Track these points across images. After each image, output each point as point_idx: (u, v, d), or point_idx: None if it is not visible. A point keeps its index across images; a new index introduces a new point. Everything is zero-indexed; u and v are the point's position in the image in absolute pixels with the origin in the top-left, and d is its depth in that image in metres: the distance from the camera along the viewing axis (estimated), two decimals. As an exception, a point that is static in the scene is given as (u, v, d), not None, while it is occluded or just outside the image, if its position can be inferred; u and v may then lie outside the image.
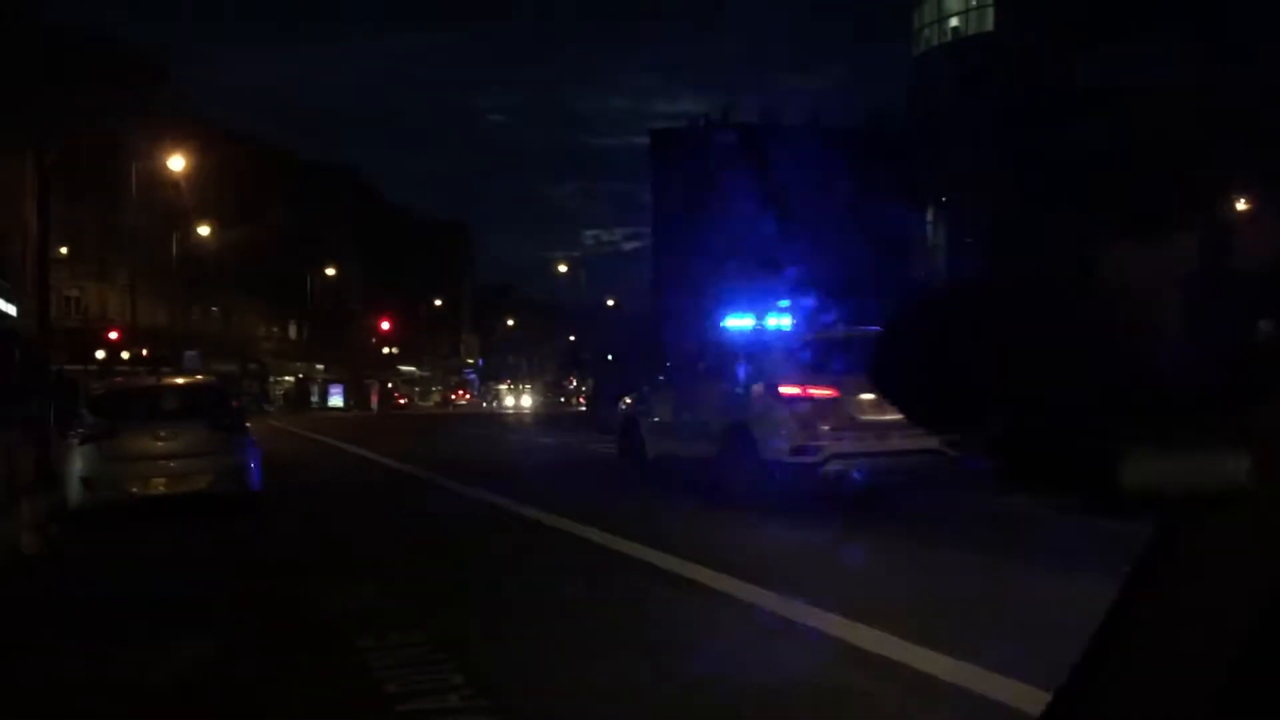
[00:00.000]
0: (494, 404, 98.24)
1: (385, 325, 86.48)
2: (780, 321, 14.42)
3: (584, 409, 51.88)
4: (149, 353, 50.59)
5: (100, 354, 50.05)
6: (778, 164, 70.99)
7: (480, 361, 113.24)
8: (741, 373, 13.37)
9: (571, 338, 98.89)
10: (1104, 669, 1.04)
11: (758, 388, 12.83)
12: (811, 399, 12.18)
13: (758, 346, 13.87)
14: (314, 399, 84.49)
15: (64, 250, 45.23)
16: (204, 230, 59.11)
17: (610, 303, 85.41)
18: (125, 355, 50.44)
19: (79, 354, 45.20)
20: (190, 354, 53.52)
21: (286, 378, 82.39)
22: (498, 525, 11.75)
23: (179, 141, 43.81)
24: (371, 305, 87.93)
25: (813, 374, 12.39)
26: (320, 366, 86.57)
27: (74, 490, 12.36)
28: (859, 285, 57.03)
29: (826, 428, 11.94)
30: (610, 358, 63.97)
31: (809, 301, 15.63)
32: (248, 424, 14.23)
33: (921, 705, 4.90)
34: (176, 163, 42.39)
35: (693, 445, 13.53)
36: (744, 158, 72.53)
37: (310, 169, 78.94)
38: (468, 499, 14.50)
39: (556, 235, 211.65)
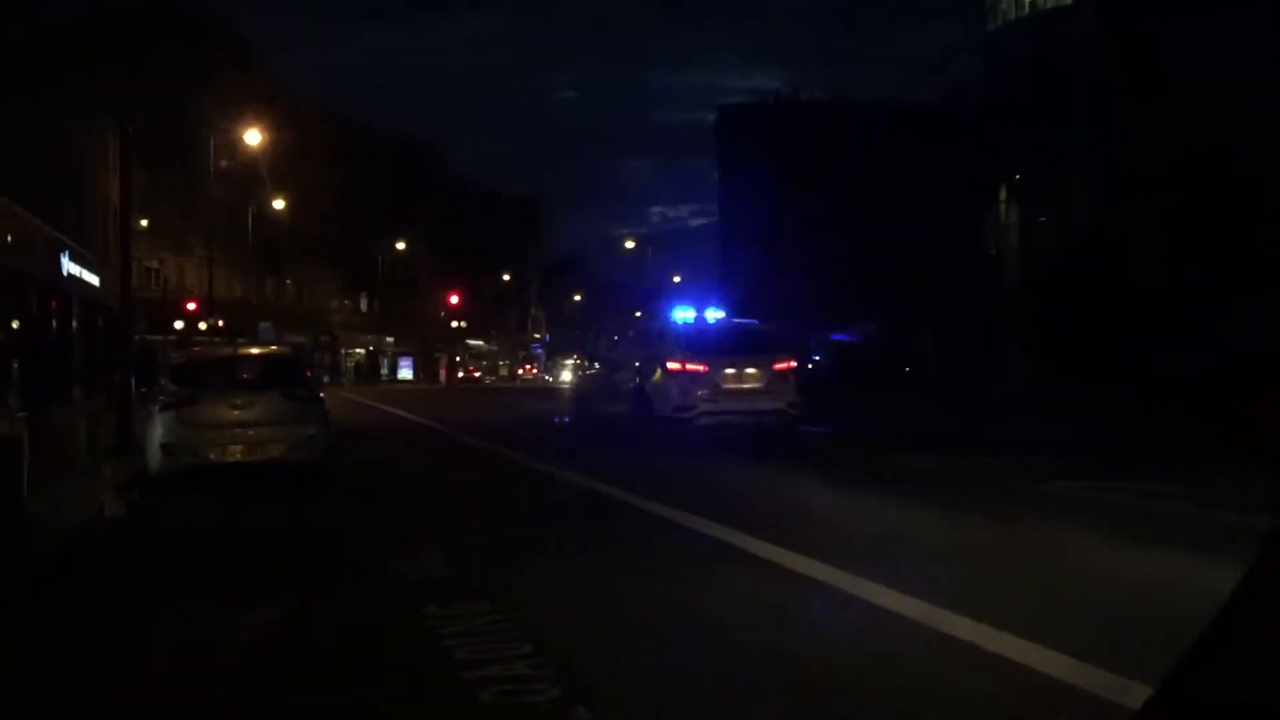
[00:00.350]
0: (556, 378, 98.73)
1: (454, 299, 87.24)
2: (687, 315, 18.70)
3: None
4: (225, 324, 51.66)
5: (178, 324, 51.20)
6: (846, 141, 70.22)
7: (547, 336, 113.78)
8: (645, 353, 17.99)
9: (638, 314, 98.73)
10: (1231, 647, 1.05)
11: (654, 363, 17.24)
12: (689, 372, 16.69)
13: (657, 333, 18.59)
14: (383, 371, 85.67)
15: (144, 222, 46.24)
16: (279, 204, 60.06)
17: (676, 279, 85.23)
18: (202, 326, 51.55)
19: (158, 324, 46.31)
20: (265, 325, 54.47)
21: (357, 350, 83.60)
22: (554, 494, 11.94)
23: (257, 116, 44.56)
24: (441, 279, 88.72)
25: (691, 354, 16.88)
26: (390, 339, 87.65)
27: (154, 456, 12.72)
28: (928, 264, 56.33)
29: (699, 393, 16.52)
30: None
31: (713, 301, 20.25)
32: (322, 394, 14.51)
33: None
34: (253, 137, 43.23)
35: (614, 406, 18.26)
36: (812, 135, 71.86)
37: (383, 144, 79.67)
38: (523, 466, 14.74)
39: (625, 211, 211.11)
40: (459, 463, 17.04)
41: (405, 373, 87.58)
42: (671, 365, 16.95)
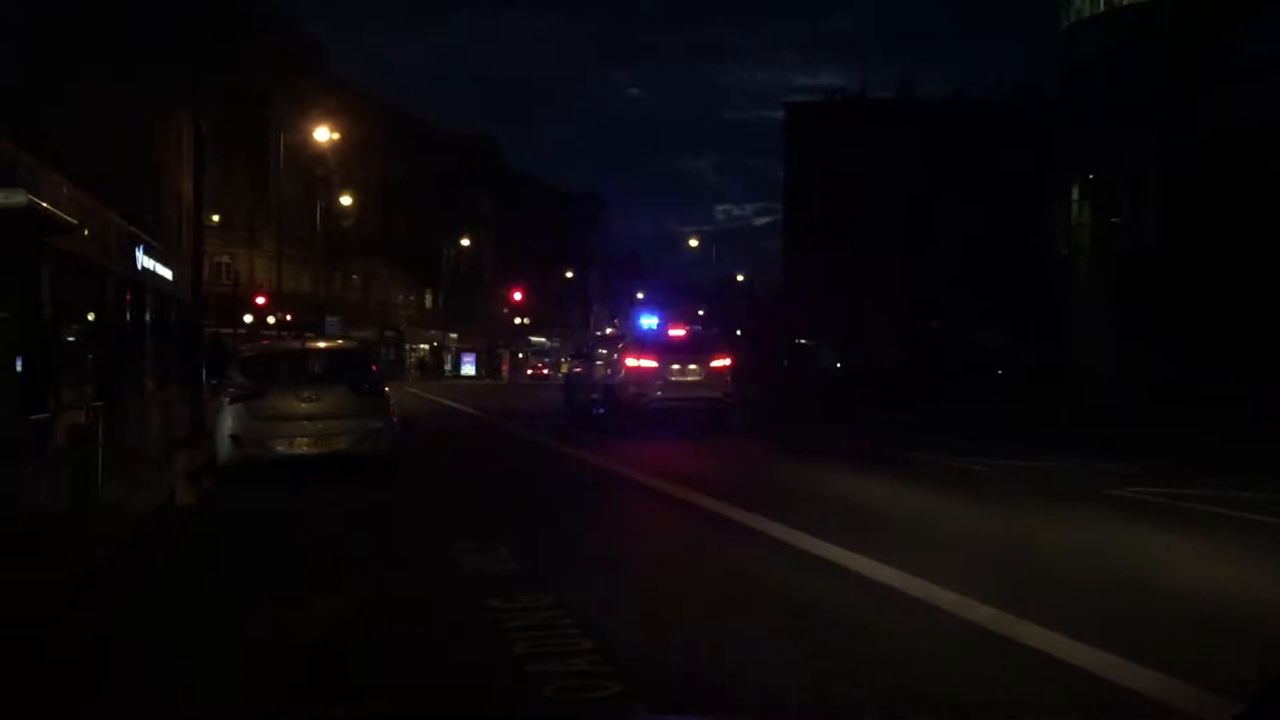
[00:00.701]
0: None
1: (517, 296, 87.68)
2: (650, 321, 22.92)
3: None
4: (294, 318, 52.48)
5: (248, 317, 52.13)
6: (913, 139, 69.43)
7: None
8: (613, 353, 21.67)
9: (700, 312, 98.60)
10: None
11: (618, 362, 20.88)
12: (643, 369, 20.27)
13: (622, 338, 22.78)
14: (447, 367, 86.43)
15: (216, 218, 47.09)
16: (346, 200, 60.82)
17: (740, 278, 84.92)
18: (271, 319, 52.41)
19: (228, 317, 47.15)
20: (331, 320, 55.23)
21: (421, 345, 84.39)
22: (615, 488, 11.95)
23: (325, 113, 45.18)
24: (505, 275, 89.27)
25: (645, 353, 20.54)
26: (454, 335, 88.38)
27: (224, 447, 12.93)
28: (994, 263, 55.26)
29: (651, 385, 20.10)
30: (740, 333, 63.62)
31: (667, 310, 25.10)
32: (387, 388, 14.65)
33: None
34: (322, 134, 43.83)
35: (590, 396, 22.13)
36: (878, 133, 71.12)
37: (449, 140, 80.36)
38: (576, 458, 14.76)
39: (689, 209, 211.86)
40: (518, 455, 17.16)
41: (468, 368, 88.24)
42: (629, 363, 20.45)
